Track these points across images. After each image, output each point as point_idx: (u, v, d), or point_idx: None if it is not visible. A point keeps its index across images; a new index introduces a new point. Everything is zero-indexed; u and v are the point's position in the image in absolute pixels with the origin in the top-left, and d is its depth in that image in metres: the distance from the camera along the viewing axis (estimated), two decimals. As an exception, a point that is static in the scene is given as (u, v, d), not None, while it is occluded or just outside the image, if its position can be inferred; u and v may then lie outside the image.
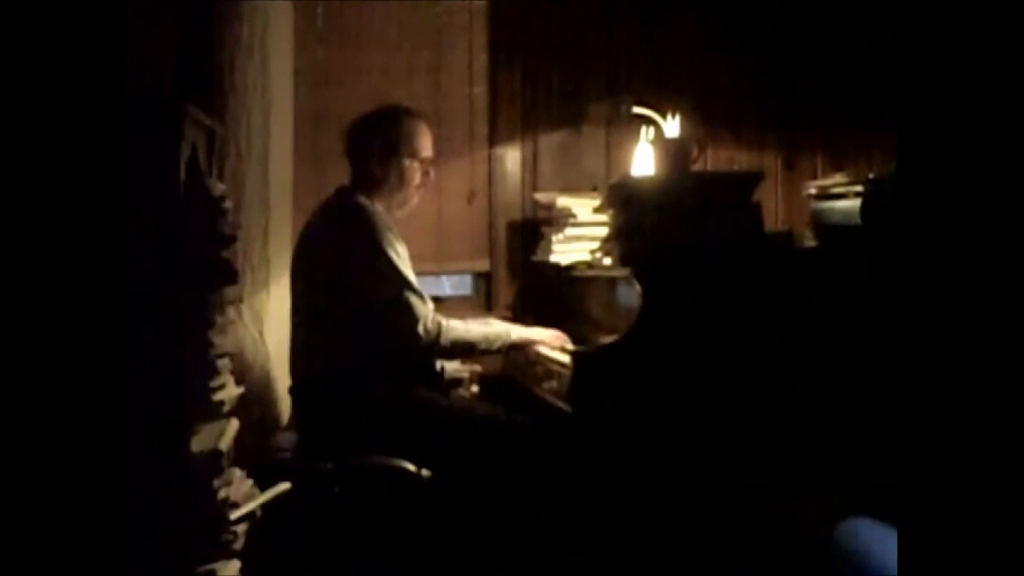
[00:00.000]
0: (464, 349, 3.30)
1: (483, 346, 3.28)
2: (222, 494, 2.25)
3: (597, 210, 3.56)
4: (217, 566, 2.23)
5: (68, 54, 1.52)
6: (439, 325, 3.14)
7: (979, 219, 1.28)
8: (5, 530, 1.46)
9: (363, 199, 3.28)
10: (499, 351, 3.40)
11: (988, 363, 1.27)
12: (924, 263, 1.33)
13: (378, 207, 3.27)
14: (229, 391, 2.40)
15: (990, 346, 1.27)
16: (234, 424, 2.42)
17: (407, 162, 3.34)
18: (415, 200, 3.42)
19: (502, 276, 4.15)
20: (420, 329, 3.11)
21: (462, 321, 3.27)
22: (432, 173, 3.45)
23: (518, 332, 3.35)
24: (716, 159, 4.11)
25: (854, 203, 2.99)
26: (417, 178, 3.38)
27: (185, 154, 2.22)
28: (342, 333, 3.17)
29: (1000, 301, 1.27)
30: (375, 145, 3.33)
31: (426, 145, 3.40)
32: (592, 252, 3.53)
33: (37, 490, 1.49)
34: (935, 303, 1.31)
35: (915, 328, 1.33)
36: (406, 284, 3.14)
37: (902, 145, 1.36)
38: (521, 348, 3.40)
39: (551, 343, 3.32)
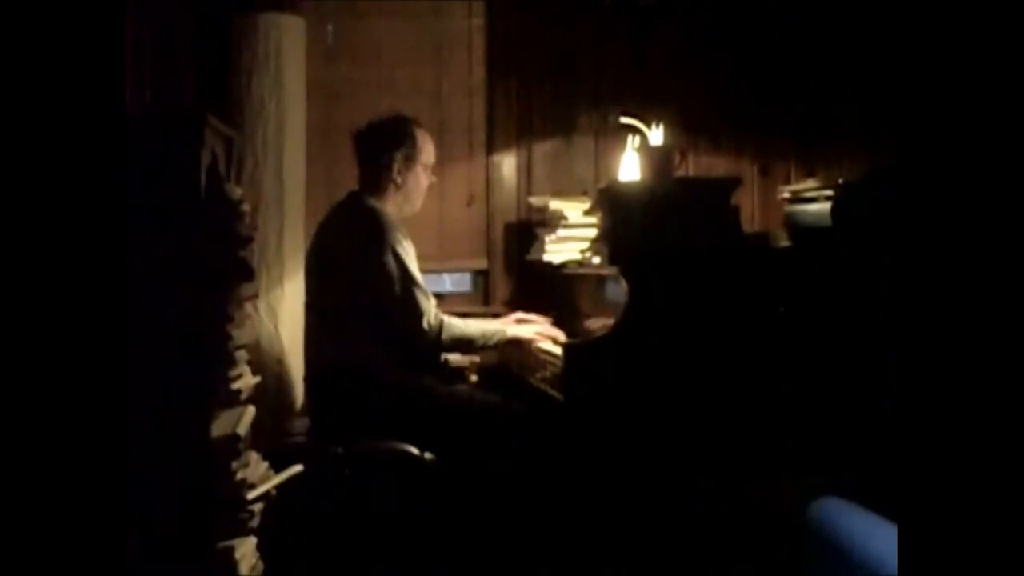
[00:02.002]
0: (463, 344, 3.32)
1: (480, 342, 3.30)
2: (240, 475, 2.24)
3: (587, 213, 3.55)
4: (235, 542, 2.22)
5: (70, 72, 1.49)
6: (441, 321, 3.15)
7: (963, 219, 1.26)
8: (23, 516, 1.44)
9: (374, 202, 3.29)
10: (495, 347, 3.41)
11: (966, 355, 1.25)
12: (919, 262, 1.30)
13: (388, 209, 3.28)
14: (246, 380, 2.40)
15: (965, 340, 1.25)
16: (251, 410, 2.42)
17: (421, 170, 3.37)
18: (419, 204, 3.44)
19: (499, 274, 4.15)
20: (424, 324, 3.12)
21: (461, 319, 3.28)
22: (434, 179, 3.47)
23: (513, 330, 3.35)
24: (697, 166, 4.10)
25: (825, 206, 2.99)
26: (424, 183, 3.41)
27: (206, 161, 2.21)
28: (354, 326, 3.17)
29: (972, 292, 1.25)
30: (397, 156, 3.34)
31: (432, 153, 3.44)
32: (582, 251, 3.52)
33: (50, 475, 1.46)
34: (915, 297, 1.29)
35: (891, 322, 1.32)
36: (413, 282, 3.15)
37: (902, 153, 1.33)
38: (516, 340, 3.40)
39: (542, 337, 3.32)
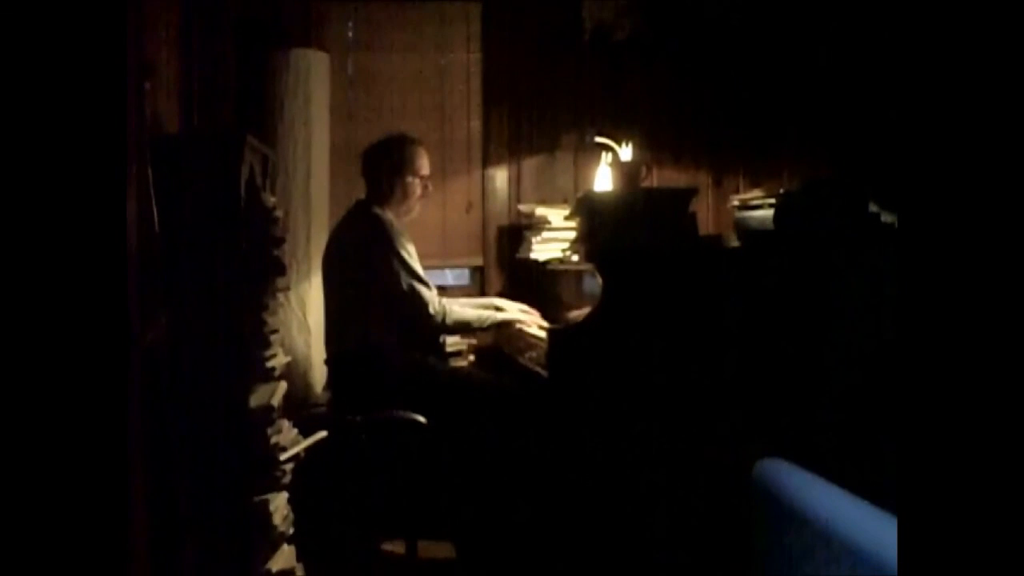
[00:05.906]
0: (463, 327, 3.33)
1: (477, 324, 3.31)
2: (273, 440, 2.25)
3: (567, 218, 3.55)
4: (269, 496, 2.23)
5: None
6: (444, 308, 3.15)
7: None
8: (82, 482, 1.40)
9: (377, 210, 3.27)
10: (490, 328, 3.42)
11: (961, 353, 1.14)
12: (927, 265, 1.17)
13: (389, 215, 3.27)
14: (279, 359, 2.40)
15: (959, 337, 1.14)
16: (283, 385, 2.42)
17: (410, 179, 3.33)
18: (417, 209, 3.41)
19: (493, 270, 4.15)
20: (431, 310, 3.13)
21: (460, 305, 3.29)
22: (430, 187, 3.44)
23: (503, 315, 3.37)
24: (660, 178, 4.10)
25: (768, 212, 3.00)
26: (418, 191, 3.37)
27: (245, 174, 2.22)
28: (367, 317, 3.17)
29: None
30: (385, 166, 3.32)
31: (424, 165, 3.38)
32: (564, 251, 3.53)
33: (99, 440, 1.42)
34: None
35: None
36: (416, 277, 3.15)
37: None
38: (507, 325, 3.41)
39: (529, 321, 3.34)
